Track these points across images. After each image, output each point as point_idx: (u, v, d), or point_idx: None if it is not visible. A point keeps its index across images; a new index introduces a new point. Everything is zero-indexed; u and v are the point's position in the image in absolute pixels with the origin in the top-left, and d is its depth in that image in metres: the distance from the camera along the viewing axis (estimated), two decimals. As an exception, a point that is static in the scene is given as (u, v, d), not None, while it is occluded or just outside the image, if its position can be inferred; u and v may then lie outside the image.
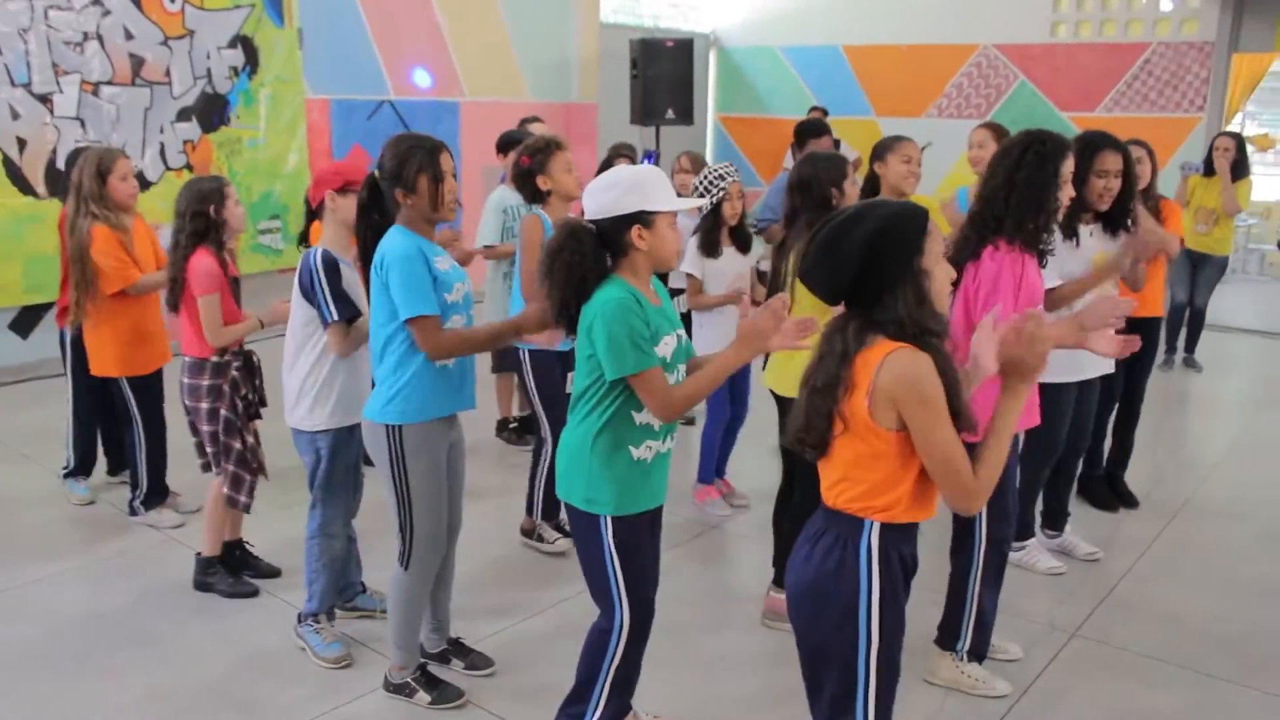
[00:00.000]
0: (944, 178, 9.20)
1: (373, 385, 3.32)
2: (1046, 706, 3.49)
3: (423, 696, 3.40)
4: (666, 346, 2.73)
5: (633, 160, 7.25)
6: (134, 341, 4.66)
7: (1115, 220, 4.22)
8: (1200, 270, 7.76)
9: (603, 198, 2.67)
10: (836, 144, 10.32)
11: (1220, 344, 8.65)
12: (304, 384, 3.55)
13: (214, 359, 3.98)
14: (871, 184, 4.50)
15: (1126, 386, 5.05)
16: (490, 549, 4.61)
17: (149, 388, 4.74)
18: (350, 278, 3.52)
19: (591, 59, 11.08)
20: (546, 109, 10.69)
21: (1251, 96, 10.95)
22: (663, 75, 10.30)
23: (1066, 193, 3.39)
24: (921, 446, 2.16)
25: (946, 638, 3.54)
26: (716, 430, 5.02)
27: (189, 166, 7.91)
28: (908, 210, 2.23)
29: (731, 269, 4.70)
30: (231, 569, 4.21)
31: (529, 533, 4.67)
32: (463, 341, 3.18)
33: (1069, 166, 3.37)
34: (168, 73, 7.69)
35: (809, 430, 2.25)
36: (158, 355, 4.76)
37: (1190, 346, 8.05)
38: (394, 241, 3.12)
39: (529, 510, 4.68)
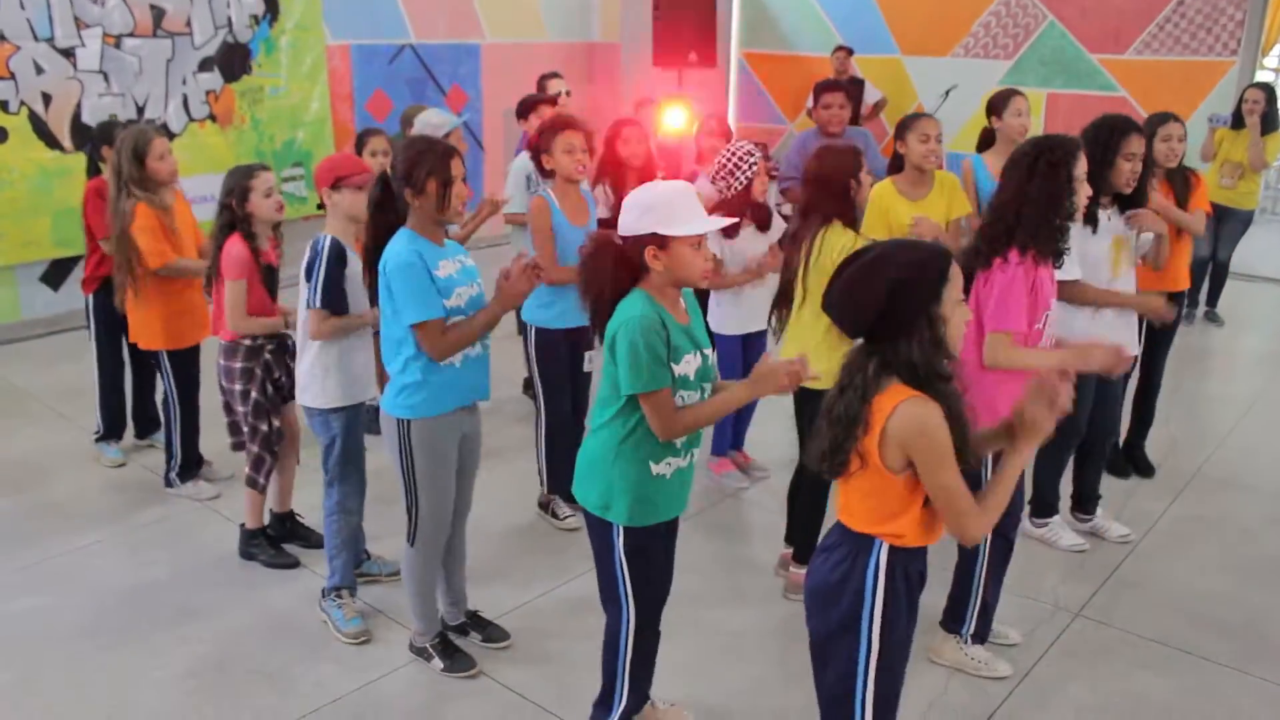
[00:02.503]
0: (968, 121, 9.11)
1: (378, 369, 3.50)
2: (1046, 689, 3.61)
3: (437, 663, 3.62)
4: (688, 365, 2.77)
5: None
6: (175, 316, 4.75)
7: (1133, 200, 4.21)
8: (1224, 224, 7.70)
9: (626, 216, 2.74)
10: (860, 84, 10.24)
11: (1243, 295, 8.61)
12: (314, 365, 3.72)
13: (246, 342, 4.07)
14: (896, 162, 4.71)
15: (1146, 358, 5.05)
16: (510, 517, 4.76)
17: (187, 362, 4.85)
18: (355, 271, 3.66)
19: (613, -2, 10.93)
20: (567, 49, 10.60)
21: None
22: (685, 16, 10.15)
23: (1085, 192, 3.41)
24: (929, 487, 2.29)
25: (951, 621, 3.68)
26: None
27: (212, 117, 7.95)
28: (930, 257, 2.31)
29: (751, 248, 4.67)
30: (274, 541, 4.37)
31: (544, 506, 4.78)
32: (461, 338, 3.28)
33: (1082, 166, 3.38)
34: (189, 23, 7.69)
35: (831, 458, 2.36)
36: (197, 330, 4.84)
37: (1212, 300, 8.04)
38: (396, 249, 3.23)
39: (542, 482, 4.78)
